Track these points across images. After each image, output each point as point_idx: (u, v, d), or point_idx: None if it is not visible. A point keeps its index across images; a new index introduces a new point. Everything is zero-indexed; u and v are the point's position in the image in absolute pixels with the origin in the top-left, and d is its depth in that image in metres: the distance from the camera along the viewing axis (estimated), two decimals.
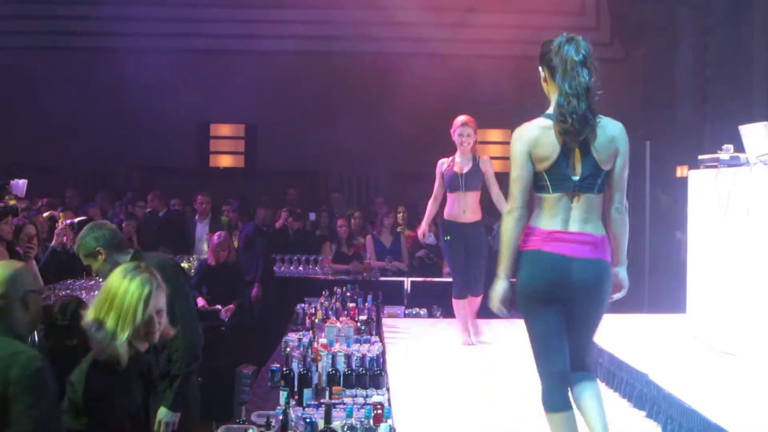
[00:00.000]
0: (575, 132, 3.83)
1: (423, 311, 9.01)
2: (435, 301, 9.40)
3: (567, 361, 3.96)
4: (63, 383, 3.51)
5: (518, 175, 3.92)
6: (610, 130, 3.95)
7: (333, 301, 7.88)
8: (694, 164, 7.08)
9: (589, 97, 3.84)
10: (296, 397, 5.29)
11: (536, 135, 3.90)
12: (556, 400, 3.96)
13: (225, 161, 15.20)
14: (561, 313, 3.93)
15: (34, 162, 13.20)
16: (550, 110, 3.93)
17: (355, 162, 14.50)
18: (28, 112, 13.94)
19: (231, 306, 9.11)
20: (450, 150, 7.43)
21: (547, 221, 3.91)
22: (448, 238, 7.34)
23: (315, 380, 5.63)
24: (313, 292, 8.73)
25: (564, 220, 3.90)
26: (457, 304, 7.50)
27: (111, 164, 14.49)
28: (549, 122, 3.90)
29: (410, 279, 10.03)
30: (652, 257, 11.27)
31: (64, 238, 7.33)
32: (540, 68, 4.00)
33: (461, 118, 7.20)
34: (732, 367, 5.84)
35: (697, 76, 13.56)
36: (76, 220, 7.64)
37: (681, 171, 12.11)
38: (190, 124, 14.75)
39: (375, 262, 10.30)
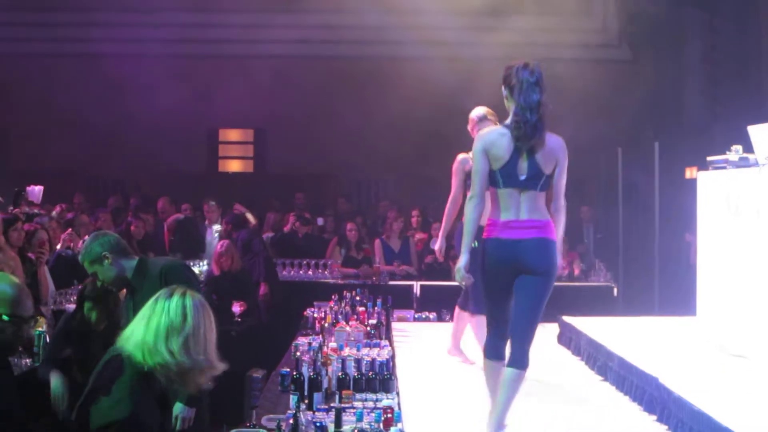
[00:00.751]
0: (526, 137, 4.69)
1: (432, 315, 9.01)
2: (444, 305, 9.40)
3: (507, 326, 4.87)
4: None
5: (477, 169, 4.83)
6: (552, 142, 4.78)
7: (342, 305, 7.85)
8: (704, 165, 7.07)
9: (540, 111, 4.70)
10: (306, 401, 5.29)
11: (493, 138, 4.79)
12: (493, 351, 4.95)
13: (234, 166, 15.24)
14: (511, 287, 4.82)
15: (46, 167, 13.28)
16: (508, 121, 4.79)
17: (363, 165, 14.49)
18: (41, 116, 14.00)
19: (242, 302, 9.15)
20: (460, 150, 6.85)
21: (503, 213, 4.80)
22: (477, 244, 6.52)
23: (325, 384, 5.62)
24: (323, 297, 8.71)
25: (515, 211, 4.77)
26: (478, 320, 6.46)
27: (121, 170, 14.52)
28: (505, 130, 4.77)
29: (419, 283, 10.03)
30: (662, 259, 11.27)
31: (71, 243, 7.37)
32: (503, 87, 4.82)
33: (480, 111, 6.40)
34: (743, 370, 5.83)
35: (705, 76, 13.56)
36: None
37: (690, 172, 12.09)
38: (199, 130, 14.79)
39: (384, 266, 10.30)
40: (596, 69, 13.92)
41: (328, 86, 14.21)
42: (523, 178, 4.70)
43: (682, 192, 11.44)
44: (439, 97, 13.24)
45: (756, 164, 6.28)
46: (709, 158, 6.98)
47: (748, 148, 6.39)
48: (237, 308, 9.07)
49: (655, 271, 11.30)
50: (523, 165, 4.70)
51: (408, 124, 13.78)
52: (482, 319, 5.80)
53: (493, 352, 4.95)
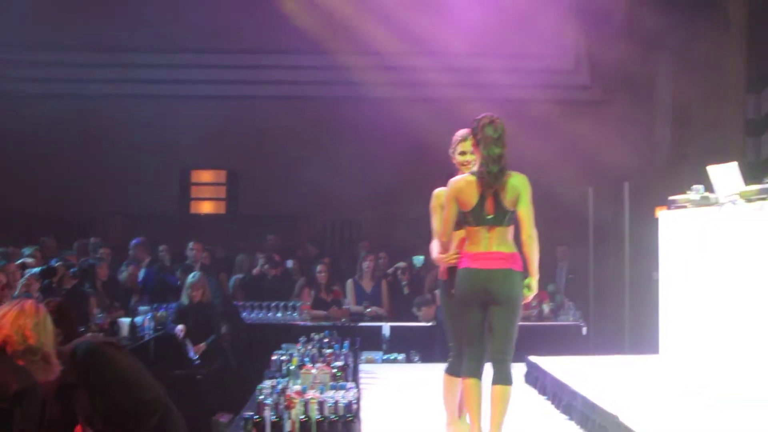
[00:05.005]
0: (490, 185, 5.33)
1: (401, 356, 9.02)
2: (414, 347, 9.43)
3: (484, 348, 5.38)
4: None
5: (445, 216, 5.48)
6: (514, 181, 5.37)
7: (309, 347, 7.85)
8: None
9: (501, 163, 5.34)
10: None
11: (461, 186, 5.42)
12: (472, 371, 5.37)
13: (206, 207, 15.23)
14: (483, 313, 5.38)
15: (14, 206, 13.24)
16: (475, 169, 5.43)
17: (337, 206, 14.54)
18: (9, 156, 13.97)
19: (201, 345, 9.16)
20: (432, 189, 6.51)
21: (473, 247, 5.40)
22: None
23: (287, 428, 5.63)
24: (292, 339, 8.63)
25: (485, 245, 5.37)
26: (451, 382, 5.79)
27: (92, 211, 14.49)
28: (473, 177, 5.41)
29: (389, 324, 10.04)
30: (633, 298, 11.32)
31: (25, 288, 7.34)
32: (470, 139, 5.51)
33: (462, 132, 6.02)
34: (705, 408, 5.87)
35: (674, 117, 13.72)
36: (38, 269, 7.66)
37: (660, 212, 12.20)
38: (172, 171, 14.81)
39: (354, 308, 10.32)
40: (568, 110, 14.12)
41: (301, 128, 14.24)
42: (490, 217, 5.33)
43: (651, 231, 11.55)
44: (416, 138, 13.34)
45: (717, 203, 6.36)
46: (670, 198, 7.07)
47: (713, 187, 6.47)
48: (193, 353, 9.07)
49: (625, 310, 11.36)
50: (489, 206, 5.32)
51: (383, 165, 13.88)
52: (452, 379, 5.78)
53: (474, 371, 5.38)
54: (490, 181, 5.30)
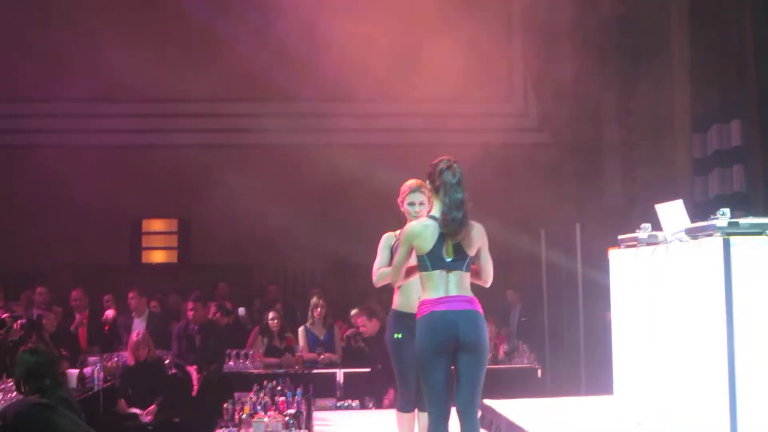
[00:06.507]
0: (455, 232, 5.19)
1: (355, 403, 8.95)
2: (368, 393, 9.36)
3: (450, 404, 5.20)
4: None
5: (398, 261, 5.37)
6: (474, 231, 5.26)
7: (262, 395, 7.79)
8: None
9: (463, 209, 5.22)
10: None
11: (418, 231, 5.26)
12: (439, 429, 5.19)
13: (158, 257, 15.10)
14: (450, 363, 5.16)
15: None
16: (434, 213, 5.28)
17: (289, 254, 14.48)
18: None
19: (151, 407, 9.04)
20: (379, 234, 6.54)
21: (433, 292, 5.20)
22: (400, 335, 5.89)
23: None
24: (245, 387, 8.60)
25: (444, 289, 5.19)
26: (402, 420, 5.98)
27: (40, 262, 14.29)
28: (430, 222, 5.26)
29: (343, 370, 9.96)
30: (587, 339, 11.35)
31: None
32: (428, 183, 5.40)
33: (411, 182, 6.08)
34: None
35: (623, 157, 13.91)
36: None
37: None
38: (122, 220, 14.68)
39: (307, 354, 10.24)
40: (518, 152, 14.26)
41: (248, 174, 14.19)
42: (449, 260, 5.18)
43: (604, 272, 11.63)
44: (369, 185, 13.35)
45: (664, 241, 6.42)
46: (619, 237, 7.14)
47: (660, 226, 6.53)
48: (147, 417, 8.96)
49: (581, 351, 11.39)
50: (449, 249, 5.19)
51: (337, 211, 13.89)
52: (404, 416, 5.95)
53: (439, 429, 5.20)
54: (455, 227, 5.16)
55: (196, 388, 9.96)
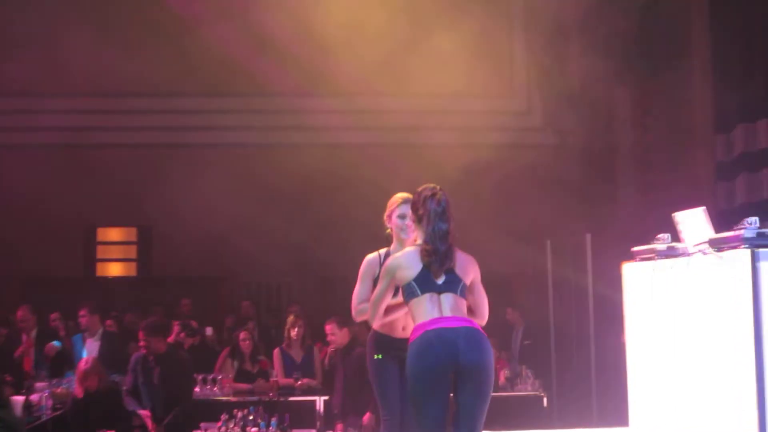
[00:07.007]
0: (440, 264, 5.25)
1: None
2: (352, 423, 9.32)
3: None
4: None
5: (380, 292, 5.40)
6: (462, 260, 5.33)
7: (232, 425, 7.82)
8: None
9: (449, 240, 5.29)
10: None
11: (400, 260, 5.35)
12: None
13: (115, 269, 15.07)
14: (447, 395, 5.09)
15: None
16: (419, 242, 5.36)
17: (262, 267, 14.45)
18: None
19: None
20: (370, 249, 6.50)
21: (425, 315, 5.16)
22: (380, 356, 6.03)
23: None
24: (212, 417, 8.65)
25: (438, 311, 5.17)
26: None
27: None
28: (414, 249, 5.36)
29: (323, 398, 9.92)
30: (599, 364, 11.35)
31: None
32: (411, 212, 5.52)
33: (401, 195, 6.06)
34: None
35: (639, 160, 13.93)
36: None
37: None
38: (75, 229, 14.64)
39: (283, 380, 10.20)
40: (520, 155, 14.26)
41: (216, 177, 14.15)
42: (440, 282, 5.23)
43: (617, 288, 11.64)
44: (349, 190, 13.36)
45: (685, 254, 6.41)
46: (634, 249, 7.12)
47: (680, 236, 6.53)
48: None
49: (592, 377, 11.39)
50: (438, 272, 5.25)
51: (311, 219, 13.87)
52: None
53: None
54: (440, 260, 5.24)
55: None
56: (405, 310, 5.45)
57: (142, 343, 9.43)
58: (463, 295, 5.24)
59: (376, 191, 12.76)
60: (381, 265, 5.90)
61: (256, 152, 14.43)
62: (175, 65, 14.22)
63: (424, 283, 5.21)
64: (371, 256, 6.13)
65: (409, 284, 5.24)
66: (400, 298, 5.44)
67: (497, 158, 13.47)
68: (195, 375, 10.03)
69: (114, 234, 15.15)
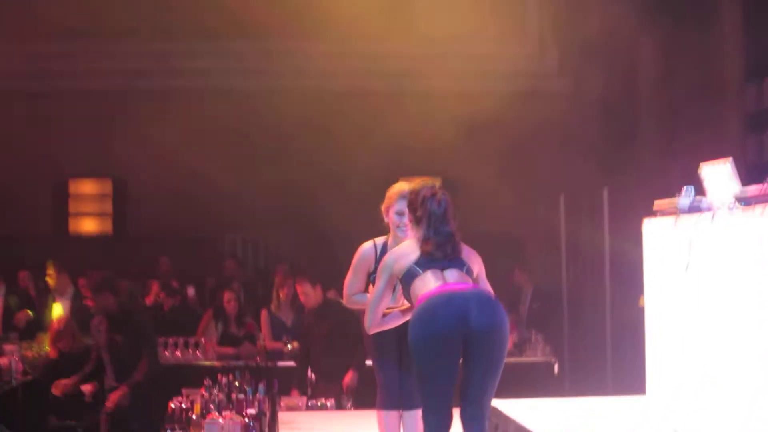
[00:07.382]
0: (445, 265, 5.18)
1: (330, 402, 8.97)
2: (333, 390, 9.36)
3: (451, 410, 5.07)
4: None
5: (378, 289, 5.35)
6: (469, 251, 5.32)
7: (216, 392, 7.87)
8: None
9: (454, 240, 5.26)
10: None
11: (397, 255, 5.32)
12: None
13: (88, 225, 15.10)
14: (457, 363, 5.04)
15: None
16: (420, 236, 5.28)
17: (247, 223, 14.47)
18: None
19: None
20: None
21: (429, 287, 5.10)
22: None
23: None
24: (194, 383, 8.70)
25: (443, 281, 5.12)
26: (387, 420, 6.09)
27: None
28: (413, 240, 5.30)
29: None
30: (615, 328, 11.40)
31: None
32: (407, 211, 5.44)
33: (400, 189, 5.98)
34: None
35: (661, 111, 13.90)
36: None
37: None
38: (44, 182, 14.64)
39: (271, 344, 10.26)
40: (531, 102, 14.23)
41: (197, 123, 14.11)
42: (442, 260, 5.19)
43: (636, 246, 11.67)
44: (346, 139, 13.36)
45: (710, 209, 6.43)
46: (656, 202, 7.13)
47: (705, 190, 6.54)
48: (88, 387, 8.98)
49: (607, 342, 11.45)
50: (440, 254, 5.21)
51: (301, 170, 13.87)
52: (388, 414, 6.03)
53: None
54: (448, 262, 5.21)
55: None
56: (404, 318, 5.43)
57: (90, 303, 9.50)
58: (469, 273, 5.23)
59: (376, 141, 12.83)
60: (377, 260, 5.95)
61: (242, 97, 14.39)
62: (149, 4, 14.16)
63: (426, 263, 5.19)
64: (366, 246, 6.12)
65: (409, 269, 5.21)
66: (398, 303, 5.50)
67: (506, 108, 13.43)
68: (176, 338, 10.12)
69: (87, 187, 15.17)
